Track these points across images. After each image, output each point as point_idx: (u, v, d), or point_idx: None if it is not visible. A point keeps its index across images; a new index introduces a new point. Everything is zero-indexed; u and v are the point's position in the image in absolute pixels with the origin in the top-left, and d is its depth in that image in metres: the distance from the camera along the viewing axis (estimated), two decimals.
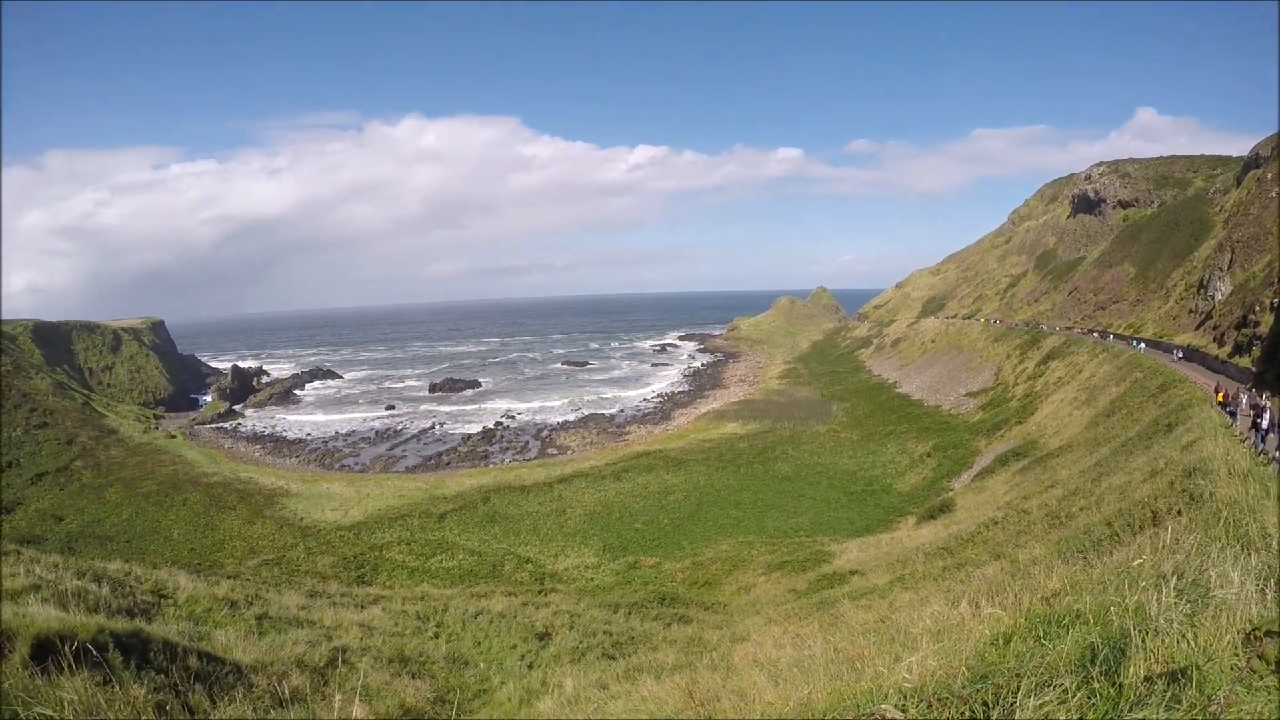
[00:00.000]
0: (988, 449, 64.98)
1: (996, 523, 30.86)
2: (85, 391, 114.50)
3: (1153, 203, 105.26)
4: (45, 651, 4.75)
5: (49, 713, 4.13)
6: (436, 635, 22.54)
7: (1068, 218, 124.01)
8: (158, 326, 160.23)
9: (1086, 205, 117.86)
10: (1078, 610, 5.36)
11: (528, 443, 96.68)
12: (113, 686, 4.69)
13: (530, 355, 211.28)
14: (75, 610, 8.33)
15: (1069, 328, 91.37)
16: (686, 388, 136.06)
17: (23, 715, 4.03)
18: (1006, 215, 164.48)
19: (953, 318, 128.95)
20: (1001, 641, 5.27)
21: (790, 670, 9.03)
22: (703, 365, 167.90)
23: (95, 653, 5.11)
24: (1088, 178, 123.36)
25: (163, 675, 5.55)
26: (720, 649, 17.75)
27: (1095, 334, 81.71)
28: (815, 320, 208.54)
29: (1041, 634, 5.15)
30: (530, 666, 19.22)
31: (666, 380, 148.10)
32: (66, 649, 4.88)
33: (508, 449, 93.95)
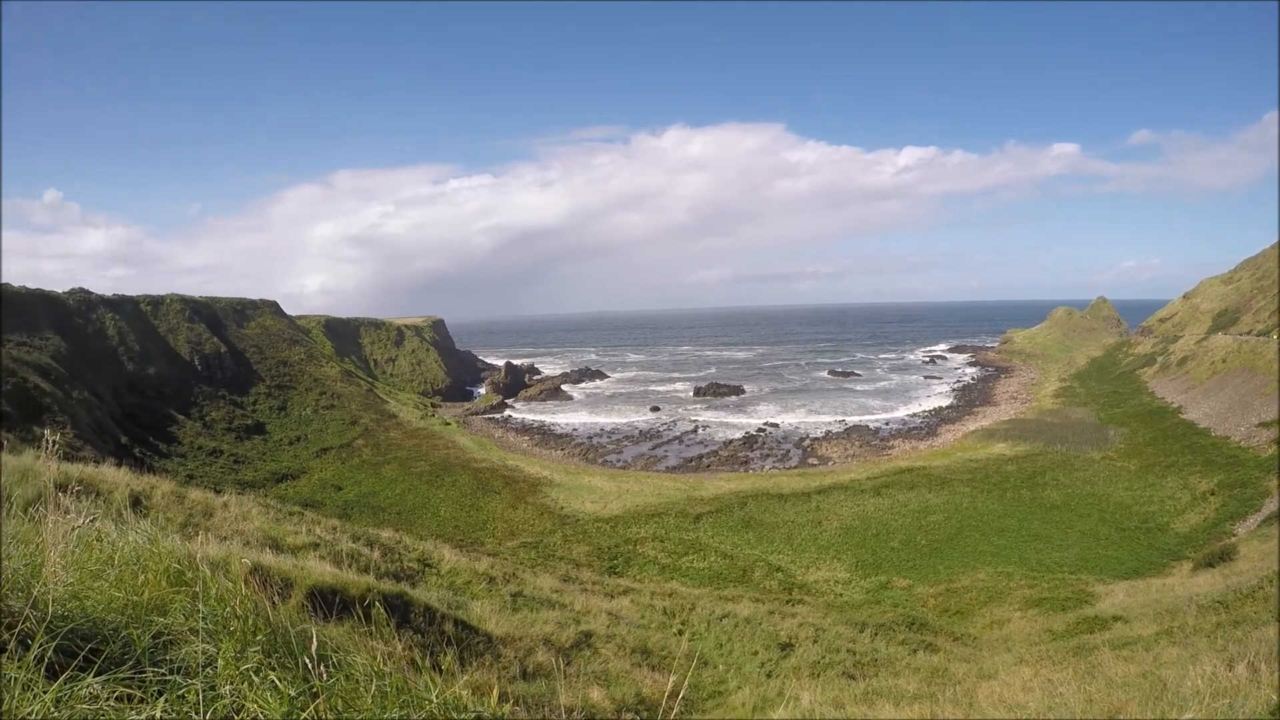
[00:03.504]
0: None
1: None
2: (370, 379, 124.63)
3: None
4: (318, 601, 5.24)
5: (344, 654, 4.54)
6: (680, 632, 22.89)
7: None
8: (438, 324, 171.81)
9: None
10: None
11: (789, 451, 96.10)
12: (374, 639, 5.08)
13: (796, 363, 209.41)
14: (348, 569, 9.10)
15: None
16: (955, 402, 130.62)
17: (333, 656, 4.53)
18: None
19: (1247, 334, 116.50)
20: None
21: (1040, 716, 8.57)
22: (973, 379, 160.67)
23: (362, 607, 5.57)
24: None
25: (420, 635, 5.98)
26: (965, 684, 17.04)
27: None
28: (1094, 334, 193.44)
29: None
30: (769, 675, 19.18)
31: (934, 394, 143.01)
32: (337, 600, 5.37)
33: (768, 456, 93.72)
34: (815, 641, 24.33)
